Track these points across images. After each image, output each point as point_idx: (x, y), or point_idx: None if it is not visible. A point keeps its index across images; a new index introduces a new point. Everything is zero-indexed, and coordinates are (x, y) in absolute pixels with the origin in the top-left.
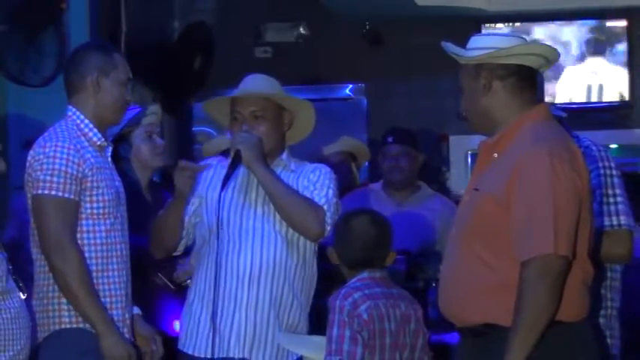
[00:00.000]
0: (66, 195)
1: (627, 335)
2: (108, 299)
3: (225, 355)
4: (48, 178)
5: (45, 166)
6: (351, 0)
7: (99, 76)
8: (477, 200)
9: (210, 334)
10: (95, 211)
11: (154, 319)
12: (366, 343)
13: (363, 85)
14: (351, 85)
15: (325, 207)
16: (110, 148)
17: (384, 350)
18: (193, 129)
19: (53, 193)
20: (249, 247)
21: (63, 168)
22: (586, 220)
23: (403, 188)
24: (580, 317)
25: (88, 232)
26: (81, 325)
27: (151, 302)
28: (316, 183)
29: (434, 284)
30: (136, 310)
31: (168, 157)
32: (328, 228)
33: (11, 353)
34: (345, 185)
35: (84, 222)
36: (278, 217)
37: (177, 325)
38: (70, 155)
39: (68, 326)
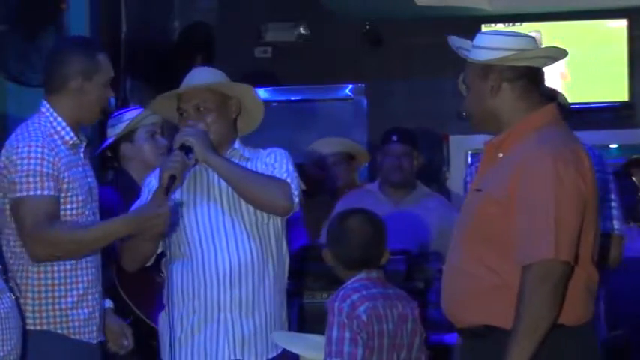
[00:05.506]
0: (45, 192)
1: (627, 335)
2: (75, 298)
3: None
4: (24, 179)
5: (20, 168)
6: (351, 0)
7: (83, 81)
8: (478, 201)
9: (193, 340)
10: (69, 212)
11: (156, 317)
12: (365, 344)
13: (363, 85)
14: (351, 85)
15: (289, 180)
16: (83, 146)
17: (382, 351)
18: None
19: (31, 193)
20: (225, 249)
21: (38, 168)
22: (591, 224)
23: (400, 188)
24: (583, 321)
25: None
26: (44, 327)
27: (153, 300)
28: (274, 163)
29: (434, 284)
30: (108, 304)
31: None
32: (296, 200)
33: (1, 354)
34: (343, 186)
35: None
36: (245, 212)
37: None
38: (44, 154)
39: (32, 327)
